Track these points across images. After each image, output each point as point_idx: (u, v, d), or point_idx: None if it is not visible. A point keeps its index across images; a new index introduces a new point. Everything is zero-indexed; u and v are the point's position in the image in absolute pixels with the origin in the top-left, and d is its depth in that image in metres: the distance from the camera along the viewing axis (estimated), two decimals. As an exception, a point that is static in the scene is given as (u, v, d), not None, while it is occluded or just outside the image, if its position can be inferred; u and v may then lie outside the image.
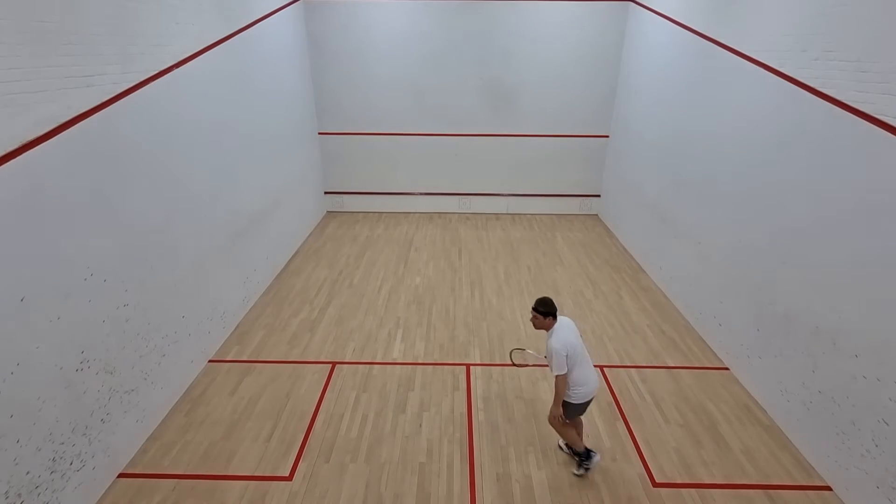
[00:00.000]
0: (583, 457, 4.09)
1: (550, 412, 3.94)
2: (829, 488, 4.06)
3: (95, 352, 3.78)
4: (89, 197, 3.71)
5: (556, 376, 3.72)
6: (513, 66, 9.53)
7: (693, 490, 4.02)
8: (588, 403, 3.98)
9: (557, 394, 3.80)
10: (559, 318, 3.85)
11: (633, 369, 5.53)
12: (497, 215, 10.62)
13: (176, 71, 4.82)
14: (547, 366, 3.94)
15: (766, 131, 5.02)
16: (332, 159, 10.28)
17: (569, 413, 3.94)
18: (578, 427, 4.20)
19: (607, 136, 10.06)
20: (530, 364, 4.30)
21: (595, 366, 5.46)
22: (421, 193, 10.61)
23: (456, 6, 9.10)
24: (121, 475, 4.07)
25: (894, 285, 3.52)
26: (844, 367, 3.94)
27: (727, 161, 5.68)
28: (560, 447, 4.36)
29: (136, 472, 4.12)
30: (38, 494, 3.29)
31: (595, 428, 4.66)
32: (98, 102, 3.79)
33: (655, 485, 4.08)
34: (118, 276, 4.01)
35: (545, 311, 3.79)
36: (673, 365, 5.62)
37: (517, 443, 4.48)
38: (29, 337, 3.19)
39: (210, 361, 5.54)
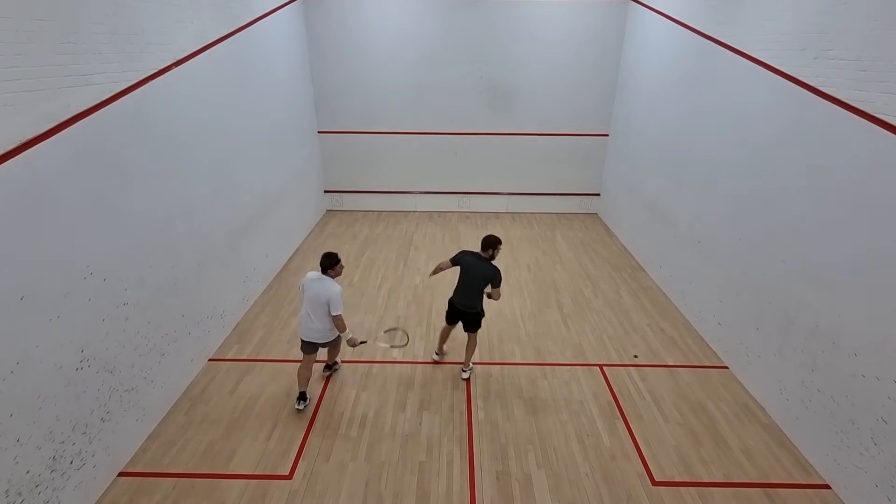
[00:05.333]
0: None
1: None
2: (827, 487, 4.07)
3: (95, 350, 3.78)
4: (89, 195, 3.70)
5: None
6: (512, 65, 9.51)
7: (692, 489, 4.03)
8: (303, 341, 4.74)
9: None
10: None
11: (632, 368, 5.54)
12: (497, 214, 10.62)
13: (175, 69, 4.81)
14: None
15: (765, 130, 5.02)
16: (331, 158, 10.27)
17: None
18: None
19: (607, 135, 10.06)
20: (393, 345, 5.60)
21: (595, 364, 5.58)
22: (420, 192, 10.60)
23: (455, 4, 9.09)
24: (121, 474, 4.08)
25: (894, 285, 3.52)
26: (844, 365, 3.94)
27: (727, 160, 5.68)
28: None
29: (137, 470, 4.12)
30: (39, 493, 3.29)
31: (594, 426, 4.67)
32: (97, 101, 3.78)
33: (655, 483, 4.08)
34: (118, 275, 4.01)
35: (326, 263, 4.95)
36: (672, 364, 5.62)
37: (517, 441, 4.48)
38: (29, 336, 3.19)
39: (210, 360, 5.54)
